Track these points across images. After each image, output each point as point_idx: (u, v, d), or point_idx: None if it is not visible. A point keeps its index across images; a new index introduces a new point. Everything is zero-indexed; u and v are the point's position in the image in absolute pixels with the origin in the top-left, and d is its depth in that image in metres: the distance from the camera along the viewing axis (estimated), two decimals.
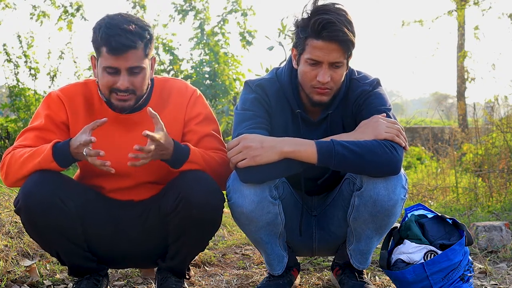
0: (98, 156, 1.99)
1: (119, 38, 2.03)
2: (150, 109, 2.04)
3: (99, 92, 2.20)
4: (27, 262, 2.64)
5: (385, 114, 2.16)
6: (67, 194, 2.09)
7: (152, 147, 1.99)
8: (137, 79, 2.10)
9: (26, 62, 7.61)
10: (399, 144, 2.07)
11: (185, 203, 2.09)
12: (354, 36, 2.11)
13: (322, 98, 2.18)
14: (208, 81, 7.80)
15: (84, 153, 1.98)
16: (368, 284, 2.37)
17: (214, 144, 2.25)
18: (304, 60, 2.14)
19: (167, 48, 7.88)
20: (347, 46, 2.10)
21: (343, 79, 2.20)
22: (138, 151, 1.98)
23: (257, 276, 2.75)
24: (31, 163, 2.05)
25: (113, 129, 2.20)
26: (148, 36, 2.10)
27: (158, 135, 2.01)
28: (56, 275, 2.64)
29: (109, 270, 2.61)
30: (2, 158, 2.15)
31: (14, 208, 2.11)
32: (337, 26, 2.06)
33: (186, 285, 2.37)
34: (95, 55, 2.14)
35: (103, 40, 2.04)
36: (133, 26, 2.06)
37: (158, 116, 2.05)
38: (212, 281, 2.68)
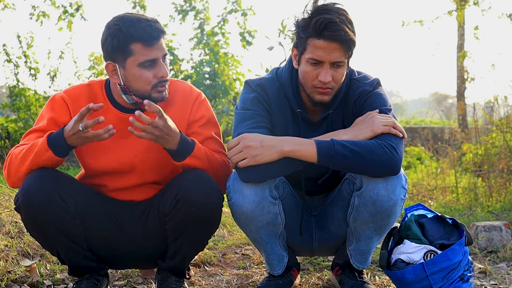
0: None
1: (151, 28, 2.07)
2: (150, 102, 1.99)
3: (122, 93, 2.17)
4: (27, 262, 2.64)
5: (378, 111, 2.17)
6: (67, 192, 2.10)
7: (161, 122, 1.98)
8: (167, 68, 2.15)
9: (26, 62, 7.60)
10: (396, 134, 2.08)
11: (183, 202, 2.10)
12: (354, 36, 2.12)
13: (323, 97, 2.18)
14: (208, 81, 7.80)
15: (81, 128, 1.95)
16: (368, 284, 2.38)
17: (215, 146, 2.26)
18: (306, 59, 2.14)
19: (167, 48, 7.88)
20: (348, 45, 2.10)
21: (344, 78, 2.20)
22: (137, 118, 1.95)
23: (257, 276, 2.75)
24: (28, 157, 2.06)
25: (116, 129, 2.20)
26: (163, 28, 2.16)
27: (163, 120, 2.00)
28: (56, 275, 2.64)
29: (109, 270, 2.62)
30: (5, 159, 2.16)
31: (14, 206, 2.11)
32: (339, 26, 2.06)
33: (186, 285, 2.37)
34: (112, 62, 2.11)
35: (137, 34, 2.05)
36: (148, 16, 2.12)
37: (161, 109, 2.02)
38: (212, 281, 2.68)
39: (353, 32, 2.11)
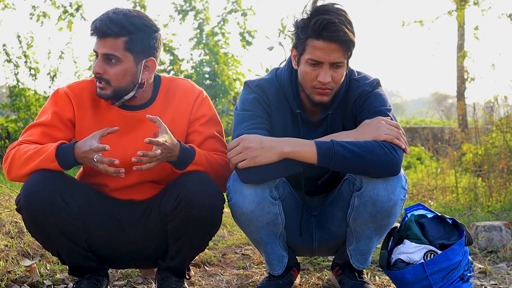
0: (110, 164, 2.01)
1: (100, 23, 2.10)
2: (149, 115, 2.05)
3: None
4: (27, 262, 2.64)
5: (383, 116, 2.16)
6: (68, 193, 2.10)
7: (159, 151, 2.01)
8: (112, 69, 2.12)
9: (26, 62, 7.60)
10: (398, 145, 2.07)
11: (185, 204, 2.10)
12: (354, 36, 2.11)
13: (322, 98, 2.18)
14: (208, 81, 7.80)
15: (95, 160, 1.99)
16: (368, 284, 2.38)
17: (217, 146, 2.26)
18: (305, 60, 2.14)
19: (167, 48, 7.87)
20: (347, 46, 2.10)
21: (343, 79, 2.20)
22: (141, 156, 1.99)
23: (257, 276, 2.75)
24: (33, 161, 2.06)
25: (118, 126, 2.20)
26: (137, 33, 2.11)
27: (162, 138, 2.02)
28: (56, 275, 2.64)
29: (109, 270, 2.62)
30: (7, 152, 2.15)
31: (16, 207, 2.11)
32: (338, 26, 2.06)
33: (186, 285, 2.37)
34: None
35: (93, 24, 2.11)
36: (123, 19, 2.09)
37: (159, 119, 2.05)
38: (212, 281, 2.68)
39: (353, 32, 2.11)
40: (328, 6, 2.11)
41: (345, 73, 2.19)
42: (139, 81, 2.17)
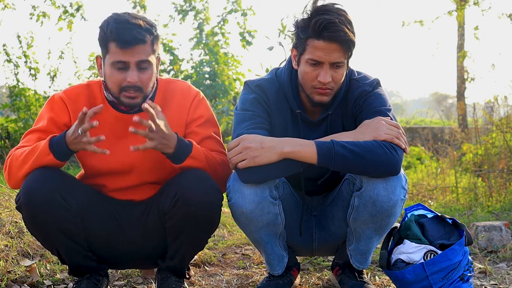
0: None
1: (129, 31, 2.04)
2: (146, 105, 2.00)
3: (104, 91, 2.20)
4: (27, 262, 2.65)
5: (383, 116, 2.16)
6: (68, 192, 2.10)
7: (154, 126, 1.98)
8: (145, 75, 2.10)
9: (26, 62, 7.60)
10: (398, 145, 2.07)
11: (183, 201, 2.10)
12: (354, 36, 2.12)
13: (323, 98, 2.18)
14: (208, 81, 7.80)
15: (80, 132, 1.96)
16: (368, 284, 2.38)
17: (214, 146, 2.26)
18: (305, 60, 2.14)
19: (167, 48, 7.88)
20: (347, 46, 2.10)
21: (343, 79, 2.20)
22: (138, 125, 1.96)
23: (257, 276, 2.75)
24: (30, 159, 2.07)
25: (115, 129, 2.21)
26: (155, 33, 2.12)
27: (159, 119, 2.00)
28: (56, 275, 2.64)
29: (109, 270, 2.61)
30: (6, 160, 2.16)
31: (16, 205, 2.12)
32: (338, 26, 2.06)
33: (186, 285, 2.37)
34: (100, 55, 2.14)
35: (113, 34, 2.04)
36: (141, 21, 2.08)
37: (157, 108, 2.03)
38: (212, 281, 2.68)
39: (353, 32, 2.11)
40: (328, 6, 2.11)
41: (345, 73, 2.19)
42: (155, 81, 2.19)
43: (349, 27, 2.09)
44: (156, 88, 2.25)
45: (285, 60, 5.76)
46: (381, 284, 2.59)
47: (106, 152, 2.00)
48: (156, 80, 2.26)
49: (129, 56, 2.05)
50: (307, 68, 2.14)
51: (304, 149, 2.05)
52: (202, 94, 2.33)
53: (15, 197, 2.15)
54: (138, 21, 2.07)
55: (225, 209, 2.23)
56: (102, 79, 2.17)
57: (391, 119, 2.17)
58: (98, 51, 2.20)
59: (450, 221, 2.28)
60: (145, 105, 1.97)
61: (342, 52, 2.10)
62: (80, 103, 2.21)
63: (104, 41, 2.09)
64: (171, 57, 7.82)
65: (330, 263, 2.79)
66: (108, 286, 2.40)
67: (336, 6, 2.12)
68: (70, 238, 2.14)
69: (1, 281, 2.46)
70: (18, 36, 7.55)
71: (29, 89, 7.65)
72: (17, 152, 2.12)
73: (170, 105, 2.25)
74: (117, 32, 2.04)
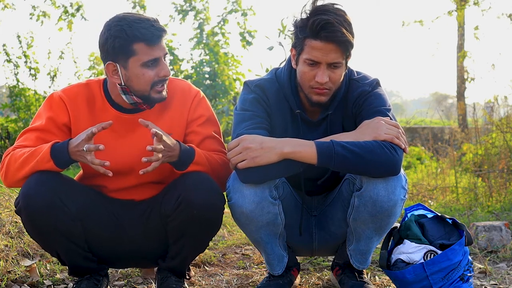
0: (97, 153, 1.99)
1: (153, 28, 2.08)
2: (142, 120, 2.05)
3: (122, 93, 2.17)
4: (27, 262, 2.64)
5: (382, 116, 2.16)
6: (67, 195, 2.10)
7: (161, 146, 2.00)
8: (167, 67, 2.16)
9: (26, 62, 7.60)
10: (398, 145, 2.07)
11: (186, 204, 2.10)
12: (352, 37, 2.11)
13: (320, 98, 2.18)
14: (208, 81, 7.80)
15: (84, 149, 1.97)
16: (368, 284, 2.38)
17: (215, 146, 2.26)
18: (303, 60, 2.14)
19: (167, 48, 7.89)
20: (345, 46, 2.10)
21: (342, 79, 2.20)
22: (150, 153, 2.00)
23: (257, 276, 2.75)
24: (29, 163, 2.06)
25: (115, 129, 2.21)
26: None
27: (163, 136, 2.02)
28: (56, 275, 2.64)
29: (109, 270, 2.62)
30: (2, 158, 2.15)
31: (15, 209, 2.11)
32: (335, 27, 2.06)
33: (186, 285, 2.37)
34: (112, 62, 2.11)
35: (140, 35, 2.06)
36: (150, 17, 2.13)
37: (151, 124, 2.06)
38: (212, 281, 2.68)
39: (351, 33, 2.11)
40: (327, 6, 2.11)
41: (343, 73, 2.19)
42: None
43: (347, 28, 2.09)
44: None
45: (285, 60, 5.76)
46: (381, 284, 2.59)
47: (109, 174, 2.02)
48: None
49: (158, 51, 2.11)
50: (305, 68, 2.14)
51: (304, 149, 2.05)
52: (202, 93, 2.33)
53: (15, 197, 2.15)
54: (148, 17, 2.12)
55: (225, 209, 2.23)
56: (121, 82, 2.14)
57: (391, 119, 2.17)
58: (98, 51, 2.19)
59: (450, 221, 2.28)
60: (153, 130, 1.98)
61: (339, 52, 2.10)
62: (79, 103, 2.21)
63: (126, 45, 2.07)
64: (171, 57, 7.82)
65: (330, 263, 2.79)
66: (108, 286, 2.40)
67: (336, 6, 2.12)
68: (70, 240, 2.14)
69: (1, 281, 2.46)
70: (18, 36, 7.55)
71: (29, 89, 7.66)
72: (16, 153, 2.10)
73: (170, 105, 2.25)
74: (144, 31, 2.06)
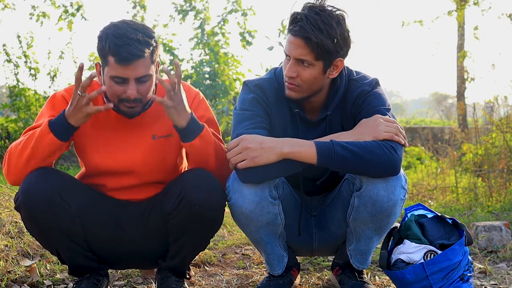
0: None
1: (128, 48, 2.00)
2: (174, 63, 2.02)
3: (104, 98, 2.19)
4: (27, 262, 2.65)
5: (388, 116, 2.15)
6: (67, 192, 2.10)
7: (177, 86, 1.99)
8: (144, 87, 2.09)
9: (26, 62, 7.60)
10: (398, 142, 2.07)
11: (186, 202, 2.10)
12: (331, 40, 2.06)
13: (290, 93, 2.18)
14: (208, 81, 7.81)
15: (79, 93, 1.96)
16: (368, 284, 2.38)
17: None
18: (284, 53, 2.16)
19: (167, 48, 7.88)
20: (312, 45, 2.06)
21: (321, 82, 2.16)
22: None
23: (257, 276, 2.75)
24: (29, 144, 2.04)
25: (115, 130, 2.21)
26: (154, 44, 2.08)
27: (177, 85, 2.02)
28: (56, 275, 2.64)
29: (109, 270, 2.61)
30: (4, 156, 2.15)
31: (14, 205, 2.11)
32: (306, 23, 2.04)
33: (186, 285, 2.37)
34: (99, 62, 2.13)
35: (111, 50, 2.01)
36: (140, 35, 2.04)
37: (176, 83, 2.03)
38: (212, 281, 2.68)
39: (330, 35, 2.05)
40: (316, 5, 2.09)
41: (317, 75, 2.13)
42: (154, 86, 2.18)
43: (324, 28, 2.04)
44: (155, 90, 2.25)
45: None
46: (381, 284, 2.59)
47: (110, 107, 2.01)
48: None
49: (128, 71, 2.03)
50: (284, 61, 2.16)
51: (304, 149, 2.05)
52: (201, 94, 2.33)
53: (15, 194, 2.15)
54: (137, 34, 2.03)
55: (225, 209, 2.23)
56: (101, 84, 2.14)
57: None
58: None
59: (450, 221, 2.28)
60: (170, 66, 1.97)
61: (307, 49, 2.08)
62: None
63: (102, 53, 2.06)
64: (171, 57, 7.82)
65: (330, 263, 2.79)
66: (108, 286, 2.40)
67: (328, 6, 2.08)
68: (69, 238, 2.14)
69: (1, 281, 2.46)
70: (18, 36, 7.55)
71: (29, 89, 7.65)
72: (15, 142, 2.11)
73: None
74: (116, 48, 2.00)
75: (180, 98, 2.03)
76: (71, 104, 2.00)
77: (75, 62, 8.06)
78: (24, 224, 2.16)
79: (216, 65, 7.71)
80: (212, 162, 2.15)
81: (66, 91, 2.24)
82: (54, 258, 2.75)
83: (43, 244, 2.23)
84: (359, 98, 2.22)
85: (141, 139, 2.20)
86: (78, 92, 1.97)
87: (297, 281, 2.53)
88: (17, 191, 2.12)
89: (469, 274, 2.20)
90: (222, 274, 2.80)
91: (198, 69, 7.86)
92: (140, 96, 2.09)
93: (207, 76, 7.83)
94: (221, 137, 2.32)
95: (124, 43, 2.01)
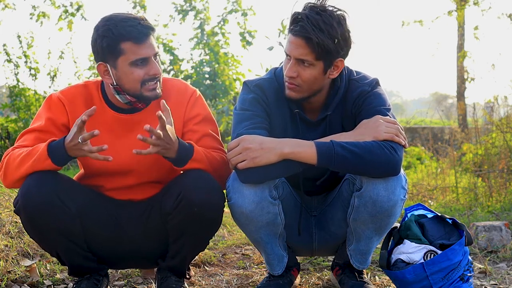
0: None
1: (139, 26, 2.08)
2: (159, 112, 1.98)
3: (117, 95, 2.18)
4: (27, 262, 2.65)
5: (382, 116, 2.15)
6: (66, 194, 2.10)
7: (161, 133, 1.96)
8: (158, 66, 2.15)
9: (26, 62, 7.60)
10: (398, 143, 2.07)
11: (186, 202, 2.10)
12: (331, 40, 2.06)
13: (290, 93, 2.18)
14: (208, 81, 7.81)
15: (80, 141, 1.95)
16: (368, 284, 2.38)
17: (213, 143, 2.25)
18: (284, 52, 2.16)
19: (167, 48, 7.89)
20: (313, 45, 2.06)
21: (321, 82, 2.16)
22: (147, 134, 1.97)
23: (257, 276, 2.75)
24: (27, 162, 2.05)
25: (114, 129, 2.21)
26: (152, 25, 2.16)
27: (167, 125, 2.00)
28: (56, 275, 2.64)
29: (109, 270, 2.61)
30: (1, 159, 2.15)
31: (14, 209, 2.11)
32: (305, 22, 2.05)
33: (186, 285, 2.37)
34: (103, 62, 2.12)
35: (126, 34, 2.05)
36: (134, 16, 2.12)
37: (169, 111, 2.05)
38: (212, 281, 2.68)
39: (330, 35, 2.05)
40: (317, 5, 2.09)
41: (318, 75, 2.13)
42: None
43: (325, 28, 2.04)
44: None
45: None
46: (381, 284, 2.59)
47: (109, 159, 2.00)
48: None
49: (147, 50, 2.09)
50: (284, 61, 2.16)
51: (304, 149, 2.05)
52: (198, 92, 2.33)
53: (15, 197, 2.15)
54: (133, 16, 2.11)
55: (225, 209, 2.23)
56: (113, 82, 2.14)
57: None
58: None
59: (450, 221, 2.28)
60: (159, 113, 1.95)
61: (307, 50, 2.08)
62: (77, 104, 2.21)
63: (113, 46, 2.07)
64: (171, 57, 7.83)
65: (330, 263, 2.79)
66: (108, 286, 2.40)
67: (329, 6, 2.08)
68: (69, 240, 2.14)
69: (1, 281, 2.46)
70: (18, 36, 7.55)
71: (29, 89, 7.65)
72: (14, 153, 2.10)
73: (167, 104, 2.24)
74: (129, 29, 2.06)
75: (165, 142, 2.00)
76: (71, 141, 1.97)
77: (75, 62, 8.06)
78: (24, 227, 2.16)
79: (216, 65, 7.71)
80: (209, 171, 2.16)
81: (62, 93, 2.24)
82: (54, 259, 2.75)
83: (43, 246, 2.23)
84: (359, 98, 2.22)
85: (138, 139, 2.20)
86: (80, 140, 1.96)
87: (297, 281, 2.53)
88: (17, 191, 2.13)
89: (469, 274, 2.20)
90: (222, 274, 2.80)
91: (198, 69, 7.87)
92: (159, 73, 2.14)
93: (207, 76, 7.83)
94: (219, 135, 2.32)
95: (134, 23, 2.07)
